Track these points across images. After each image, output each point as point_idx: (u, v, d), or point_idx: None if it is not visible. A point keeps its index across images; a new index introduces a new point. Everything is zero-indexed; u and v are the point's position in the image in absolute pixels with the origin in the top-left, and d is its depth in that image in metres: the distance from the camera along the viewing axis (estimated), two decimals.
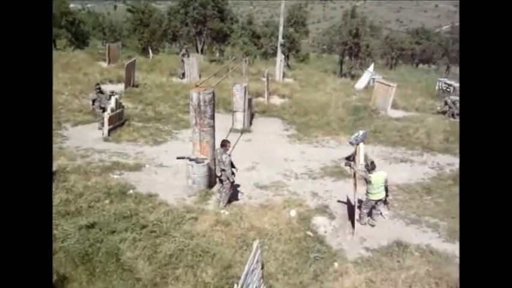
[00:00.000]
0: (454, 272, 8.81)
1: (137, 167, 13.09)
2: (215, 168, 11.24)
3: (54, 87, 19.94)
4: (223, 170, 10.71)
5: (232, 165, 10.92)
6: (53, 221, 9.44)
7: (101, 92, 16.17)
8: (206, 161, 11.43)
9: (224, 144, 10.89)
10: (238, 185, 12.06)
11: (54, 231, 9.06)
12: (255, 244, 7.17)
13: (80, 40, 38.99)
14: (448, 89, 26.90)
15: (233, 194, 11.51)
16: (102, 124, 15.53)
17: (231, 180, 10.91)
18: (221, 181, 10.89)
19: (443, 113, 20.95)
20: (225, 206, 10.91)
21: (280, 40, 27.16)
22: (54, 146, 14.07)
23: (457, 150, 16.06)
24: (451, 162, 15.15)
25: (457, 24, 40.78)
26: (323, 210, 11.22)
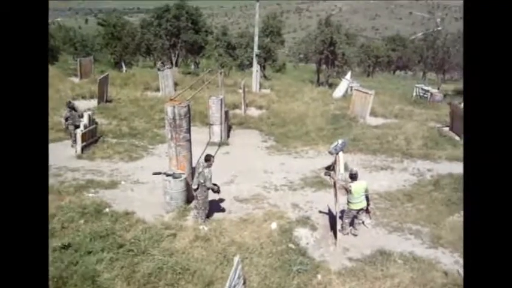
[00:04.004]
0: (438, 277, 8.85)
1: (113, 185, 12.77)
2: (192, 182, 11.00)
3: None
4: (200, 183, 10.45)
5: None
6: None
7: (74, 109, 15.77)
8: (183, 176, 11.19)
9: (208, 159, 10.64)
10: (216, 200, 11.83)
11: None
12: (236, 259, 7.06)
13: (49, 55, 38.48)
14: (425, 95, 27.21)
15: (212, 209, 11.27)
16: (75, 141, 15.13)
17: (206, 195, 10.69)
18: (196, 196, 10.64)
19: None
20: (203, 221, 10.65)
21: (256, 50, 27.12)
22: None
23: (436, 156, 16.22)
24: (430, 168, 15.24)
25: (430, 30, 41.35)
26: (304, 221, 11.07)
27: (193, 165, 11.91)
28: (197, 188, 10.58)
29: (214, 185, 10.66)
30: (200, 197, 10.58)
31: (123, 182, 13.05)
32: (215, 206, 11.62)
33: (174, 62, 36.56)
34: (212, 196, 11.16)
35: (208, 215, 10.97)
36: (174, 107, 11.00)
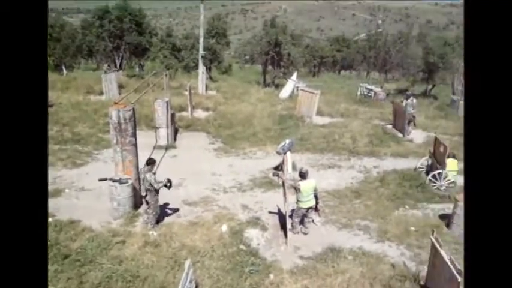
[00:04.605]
0: (386, 270, 9.11)
1: (56, 193, 12.29)
2: (140, 188, 10.77)
3: None
4: (149, 189, 10.25)
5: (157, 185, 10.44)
6: None
7: None
8: (130, 181, 10.94)
9: (150, 162, 10.46)
10: (166, 204, 11.65)
11: None
12: (187, 263, 7.02)
13: None
14: (369, 94, 27.90)
15: (161, 213, 11.09)
16: None
17: (156, 199, 10.48)
18: (147, 202, 10.42)
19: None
20: (153, 226, 10.45)
21: (201, 52, 26.94)
22: None
23: (381, 153, 16.68)
24: (376, 165, 15.68)
25: (373, 32, 42.52)
26: (255, 222, 11.09)
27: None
28: (146, 195, 10.37)
29: (160, 181, 10.48)
30: (151, 202, 10.38)
31: (67, 190, 12.61)
32: (164, 211, 11.46)
33: (118, 65, 35.67)
34: (161, 200, 10.99)
35: (158, 220, 10.78)
36: (118, 110, 10.76)
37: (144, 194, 10.45)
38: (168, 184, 10.52)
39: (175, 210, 11.70)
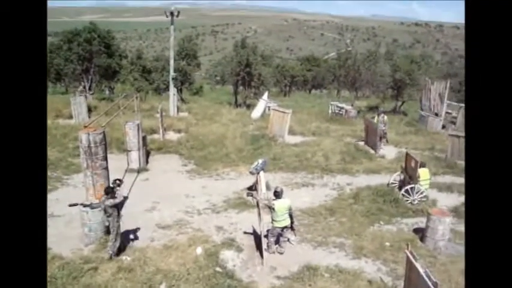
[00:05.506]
0: (363, 286, 9.14)
1: None
2: None
3: None
4: (109, 216, 9.95)
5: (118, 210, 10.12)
6: None
7: None
8: (102, 206, 10.68)
9: (107, 191, 10.04)
10: (138, 228, 11.46)
11: None
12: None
13: None
14: (340, 112, 28.25)
15: (134, 238, 10.97)
16: None
17: (117, 225, 10.12)
18: (109, 229, 10.12)
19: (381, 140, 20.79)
20: (113, 254, 9.97)
21: (172, 74, 26.87)
22: None
23: (354, 170, 16.83)
24: (349, 182, 15.80)
25: (342, 51, 43.16)
26: (230, 243, 10.98)
27: None
28: (108, 224, 10.09)
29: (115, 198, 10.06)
30: (112, 228, 9.98)
31: None
32: (137, 235, 11.26)
33: (87, 88, 35.19)
34: (134, 224, 10.77)
35: (120, 248, 10.32)
36: (88, 134, 10.63)
37: (106, 224, 10.19)
38: (123, 199, 10.16)
39: (148, 234, 11.48)
